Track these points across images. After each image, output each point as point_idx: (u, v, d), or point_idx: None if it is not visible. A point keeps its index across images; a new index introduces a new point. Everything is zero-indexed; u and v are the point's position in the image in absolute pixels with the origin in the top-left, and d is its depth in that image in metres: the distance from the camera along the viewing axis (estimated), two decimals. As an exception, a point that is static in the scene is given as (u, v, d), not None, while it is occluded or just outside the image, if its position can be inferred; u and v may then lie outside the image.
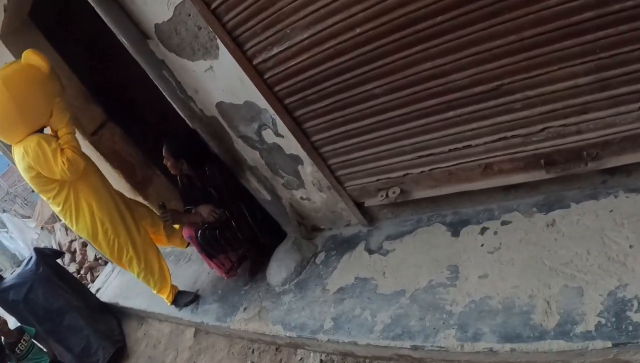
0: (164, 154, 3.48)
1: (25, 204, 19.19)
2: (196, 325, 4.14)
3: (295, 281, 3.34)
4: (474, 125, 2.35)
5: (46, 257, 5.45)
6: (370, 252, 3.05)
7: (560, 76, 2.04)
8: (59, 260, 6.04)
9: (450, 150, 2.51)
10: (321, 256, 3.35)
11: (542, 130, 2.23)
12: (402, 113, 2.48)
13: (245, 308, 3.54)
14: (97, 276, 7.49)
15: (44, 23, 4.76)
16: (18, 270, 6.59)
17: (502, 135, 2.33)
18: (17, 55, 3.74)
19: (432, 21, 2.08)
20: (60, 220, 10.01)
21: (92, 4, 2.81)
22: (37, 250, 5.67)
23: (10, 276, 6.42)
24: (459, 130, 2.41)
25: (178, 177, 3.71)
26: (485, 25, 2.01)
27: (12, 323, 5.12)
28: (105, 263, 7.40)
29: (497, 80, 2.15)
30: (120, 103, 5.33)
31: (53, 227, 11.86)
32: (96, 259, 8.10)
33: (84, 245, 8.48)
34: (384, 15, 2.15)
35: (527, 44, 2.00)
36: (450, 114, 2.36)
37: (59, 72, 3.75)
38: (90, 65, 5.17)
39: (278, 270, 3.43)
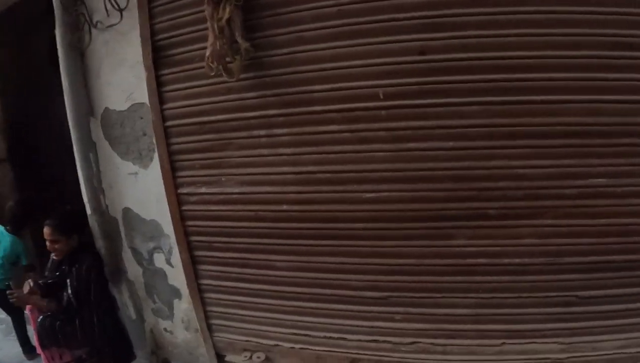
0: (50, 232, 3.42)
1: None
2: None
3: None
4: (353, 322, 2.71)
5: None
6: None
7: (441, 303, 2.51)
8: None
9: (325, 337, 2.82)
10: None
11: (412, 343, 2.63)
12: (293, 291, 2.81)
13: None
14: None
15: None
16: None
17: (376, 337, 2.69)
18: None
19: (350, 224, 2.53)
20: None
21: (61, 57, 3.01)
22: None
23: None
24: (340, 322, 2.75)
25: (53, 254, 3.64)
26: (393, 244, 2.49)
27: None
28: None
29: (388, 292, 2.57)
30: (27, 151, 5.21)
31: None
32: None
33: None
34: (312, 205, 2.56)
35: (422, 270, 2.49)
36: (337, 306, 2.72)
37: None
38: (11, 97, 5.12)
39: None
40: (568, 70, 2.16)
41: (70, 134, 3.22)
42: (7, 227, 4.37)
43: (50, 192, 5.20)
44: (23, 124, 5.23)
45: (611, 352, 2.45)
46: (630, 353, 2.44)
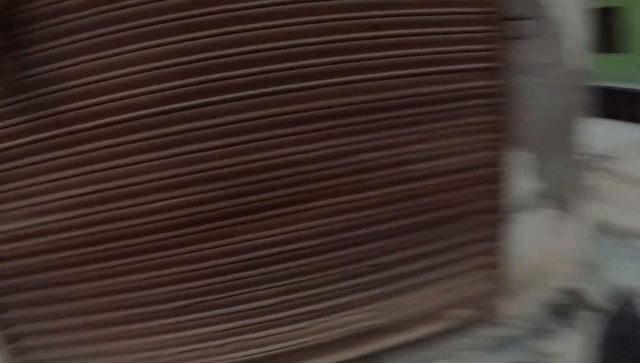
0: None
1: None
2: None
3: None
4: (164, 337, 2.69)
5: None
6: None
7: (247, 298, 2.60)
8: None
9: (144, 358, 2.75)
10: None
11: (230, 343, 2.68)
12: (102, 318, 2.72)
13: None
14: None
15: None
16: None
17: (192, 346, 2.70)
18: None
19: (140, 239, 2.52)
20: None
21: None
22: None
23: None
24: (155, 340, 2.71)
25: None
26: (188, 250, 2.52)
27: None
28: None
29: (195, 298, 2.61)
30: None
31: None
32: None
33: None
34: (97, 226, 2.51)
35: (221, 270, 2.56)
36: (148, 324, 2.68)
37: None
38: None
39: None
40: (319, 56, 2.32)
41: None
42: None
43: None
44: None
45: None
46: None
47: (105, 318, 2.69)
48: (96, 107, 2.35)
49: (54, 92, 2.37)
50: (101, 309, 2.67)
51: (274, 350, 2.68)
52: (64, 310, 2.72)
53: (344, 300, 2.65)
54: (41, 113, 2.40)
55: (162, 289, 2.57)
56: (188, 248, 2.51)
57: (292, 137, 2.36)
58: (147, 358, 2.73)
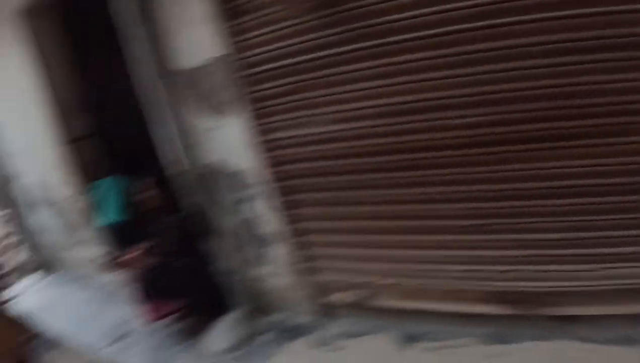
0: (146, 188, 3.74)
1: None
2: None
3: (234, 354, 3.55)
4: (450, 252, 2.80)
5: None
6: (319, 344, 3.33)
7: (537, 228, 2.56)
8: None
9: (423, 270, 2.92)
10: (267, 336, 3.61)
11: (511, 270, 2.69)
12: (388, 225, 2.92)
13: None
14: (16, 283, 7.43)
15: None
16: None
17: (474, 267, 2.77)
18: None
19: (441, 153, 2.59)
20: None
21: (127, 25, 3.20)
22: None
23: None
24: (438, 253, 2.84)
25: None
26: (486, 169, 2.54)
27: None
28: (32, 271, 7.37)
29: (483, 219, 2.64)
30: (106, 124, 5.58)
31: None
32: (20, 266, 8.01)
33: (10, 247, 8.40)
34: (401, 136, 2.64)
35: (516, 195, 2.54)
36: (433, 237, 2.82)
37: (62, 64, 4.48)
38: (90, 72, 5.48)
39: (220, 338, 3.65)
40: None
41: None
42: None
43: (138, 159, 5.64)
44: (102, 101, 5.62)
45: None
46: None
47: (391, 226, 2.89)
48: (410, 20, 2.43)
49: (365, 5, 2.50)
50: (389, 216, 2.86)
51: (553, 287, 2.63)
52: (351, 212, 2.98)
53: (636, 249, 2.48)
54: (353, 25, 2.56)
55: (454, 205, 2.65)
56: (483, 168, 2.54)
57: (611, 64, 2.19)
58: (429, 271, 2.88)
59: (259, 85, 2.93)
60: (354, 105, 2.70)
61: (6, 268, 7.77)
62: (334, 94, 2.74)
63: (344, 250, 3.14)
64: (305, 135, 2.89)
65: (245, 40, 2.89)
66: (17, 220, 7.00)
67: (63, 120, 5.15)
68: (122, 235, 4.62)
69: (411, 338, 3.04)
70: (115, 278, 5.50)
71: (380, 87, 2.59)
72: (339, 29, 2.59)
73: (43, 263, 6.98)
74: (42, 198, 6.35)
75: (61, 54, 5.11)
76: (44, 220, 6.66)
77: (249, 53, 2.90)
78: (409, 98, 2.54)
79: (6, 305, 4.21)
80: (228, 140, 3.23)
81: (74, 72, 5.28)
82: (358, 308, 3.30)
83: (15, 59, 5.02)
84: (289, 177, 3.07)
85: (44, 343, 4.28)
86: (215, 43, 2.97)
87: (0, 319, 3.92)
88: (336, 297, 3.33)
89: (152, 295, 3.91)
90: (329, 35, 2.62)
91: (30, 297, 6.38)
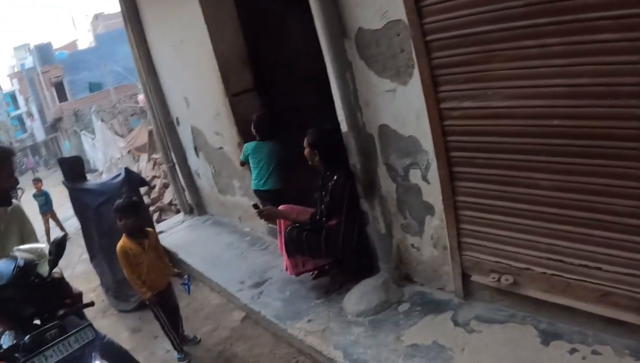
0: (305, 147, 3.88)
1: (124, 124, 20.60)
2: (250, 311, 4.54)
3: (370, 318, 3.65)
4: (613, 251, 2.62)
5: (133, 181, 6.02)
6: (456, 323, 3.31)
7: None
8: (141, 189, 6.52)
9: (580, 265, 2.77)
10: (405, 306, 3.64)
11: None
12: (553, 212, 2.78)
13: (309, 320, 3.90)
14: (165, 219, 8.01)
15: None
16: (103, 180, 7.14)
17: (634, 271, 2.57)
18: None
19: (624, 143, 2.39)
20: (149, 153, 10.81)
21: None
22: (128, 171, 6.21)
23: (93, 181, 7.03)
24: (598, 251, 2.68)
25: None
26: None
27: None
28: (178, 211, 7.93)
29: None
30: (270, 76, 5.89)
31: (139, 156, 12.73)
32: (170, 204, 8.64)
33: (165, 186, 9.07)
34: (585, 120, 2.47)
35: None
36: (597, 233, 2.64)
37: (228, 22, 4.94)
38: (257, 29, 5.79)
39: (358, 300, 3.74)
40: None
41: (308, 63, 3.51)
42: (257, 136, 5.32)
43: (288, 117, 5.97)
44: (263, 58, 5.92)
45: None
46: None
47: (551, 213, 2.77)
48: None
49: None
50: (550, 203, 2.75)
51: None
52: (511, 193, 2.90)
53: None
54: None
55: (626, 201, 2.47)
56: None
57: None
58: (583, 267, 2.74)
59: (439, 52, 2.90)
60: (533, 82, 2.58)
61: (159, 205, 8.45)
62: (514, 69, 2.63)
63: (497, 231, 3.07)
64: (479, 108, 2.82)
65: (429, 5, 2.86)
66: (176, 162, 7.49)
67: (229, 73, 5.46)
68: (272, 200, 4.91)
69: (552, 335, 2.93)
70: (261, 228, 5.83)
71: (564, 66, 2.45)
72: (528, 1, 2.47)
73: (194, 204, 7.44)
74: (201, 144, 6.77)
75: (230, 8, 5.42)
76: (200, 165, 7.10)
77: (432, 18, 2.87)
78: (593, 81, 2.39)
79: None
80: (403, 105, 3.25)
81: (241, 28, 5.56)
82: (500, 293, 3.24)
83: (191, 13, 5.38)
84: (457, 149, 3.03)
85: (188, 277, 4.58)
86: (398, 6, 2.98)
87: (156, 250, 4.23)
88: (480, 278, 3.27)
89: (297, 249, 4.06)
90: (516, 7, 2.51)
91: (178, 234, 6.83)
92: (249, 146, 5.35)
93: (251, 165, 5.35)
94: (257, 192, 5.42)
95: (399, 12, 2.99)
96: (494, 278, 3.14)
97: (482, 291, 3.37)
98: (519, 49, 2.57)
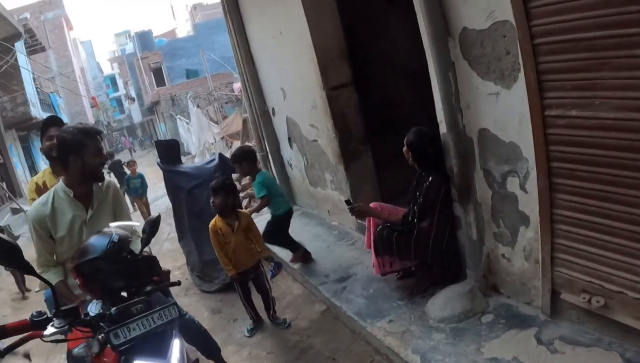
0: (405, 148, 3.91)
1: (219, 110, 21.30)
2: (331, 305, 4.62)
3: (453, 325, 3.64)
4: None
5: (226, 166, 6.23)
6: (539, 341, 3.22)
7: None
8: (233, 175, 6.74)
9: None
10: (489, 317, 3.60)
11: None
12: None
13: (390, 321, 3.93)
14: (253, 206, 8.23)
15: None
16: (197, 164, 7.42)
17: None
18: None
19: None
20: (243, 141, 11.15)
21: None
22: (221, 157, 6.42)
23: (187, 164, 7.35)
24: None
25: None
26: None
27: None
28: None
29: None
30: (368, 71, 5.95)
31: (232, 143, 13.12)
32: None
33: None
34: None
35: None
36: None
37: (328, 15, 5.09)
38: (356, 23, 5.87)
39: (443, 306, 3.74)
40: None
41: (406, 60, 3.49)
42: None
43: (384, 113, 6.00)
44: (362, 52, 5.97)
45: None
46: None
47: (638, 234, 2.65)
48: None
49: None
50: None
51: None
52: (611, 211, 2.78)
53: None
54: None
55: None
56: None
57: None
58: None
59: (546, 57, 2.82)
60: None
61: (250, 191, 8.68)
62: (626, 78, 2.50)
63: (592, 249, 2.95)
64: (586, 118, 2.72)
65: (539, 6, 2.77)
66: (269, 151, 7.67)
67: (327, 66, 5.55)
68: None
69: (640, 367, 2.82)
70: (350, 223, 5.90)
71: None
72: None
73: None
74: (296, 136, 6.91)
75: (330, 1, 5.50)
76: (293, 156, 7.25)
77: (541, 20, 2.78)
78: None
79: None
80: (506, 109, 3.19)
81: (341, 20, 5.63)
82: (589, 314, 3.12)
83: (291, 5, 5.52)
84: (559, 159, 2.94)
85: (275, 265, 4.72)
86: (505, 6, 2.92)
87: (246, 232, 4.44)
88: (570, 297, 3.16)
89: (386, 250, 4.08)
90: (632, 13, 2.37)
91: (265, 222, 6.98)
92: (266, 175, 5.60)
93: (272, 194, 5.43)
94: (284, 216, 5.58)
95: (507, 13, 2.94)
96: (584, 298, 3.04)
97: (570, 310, 3.27)
98: (632, 57, 2.45)
